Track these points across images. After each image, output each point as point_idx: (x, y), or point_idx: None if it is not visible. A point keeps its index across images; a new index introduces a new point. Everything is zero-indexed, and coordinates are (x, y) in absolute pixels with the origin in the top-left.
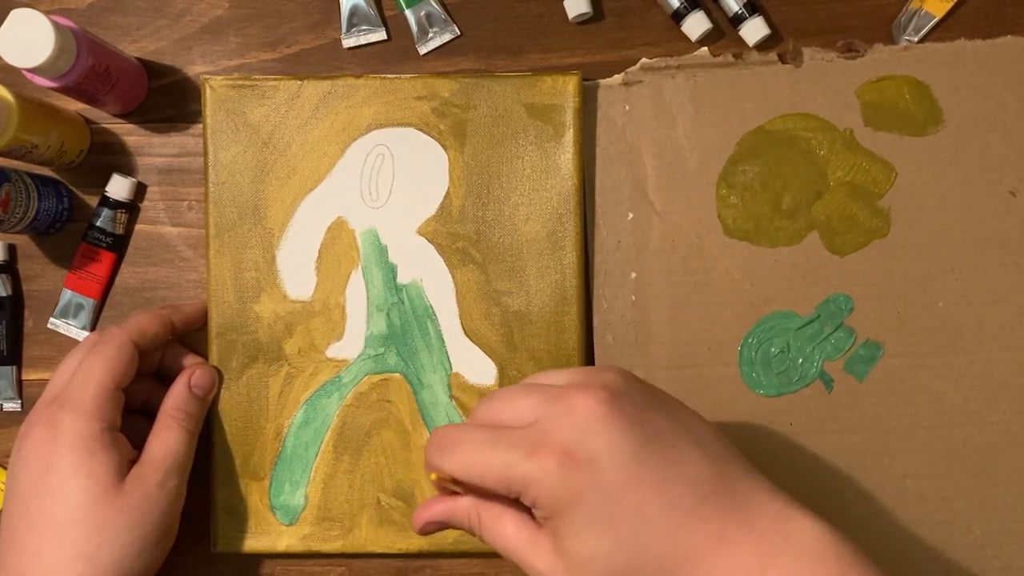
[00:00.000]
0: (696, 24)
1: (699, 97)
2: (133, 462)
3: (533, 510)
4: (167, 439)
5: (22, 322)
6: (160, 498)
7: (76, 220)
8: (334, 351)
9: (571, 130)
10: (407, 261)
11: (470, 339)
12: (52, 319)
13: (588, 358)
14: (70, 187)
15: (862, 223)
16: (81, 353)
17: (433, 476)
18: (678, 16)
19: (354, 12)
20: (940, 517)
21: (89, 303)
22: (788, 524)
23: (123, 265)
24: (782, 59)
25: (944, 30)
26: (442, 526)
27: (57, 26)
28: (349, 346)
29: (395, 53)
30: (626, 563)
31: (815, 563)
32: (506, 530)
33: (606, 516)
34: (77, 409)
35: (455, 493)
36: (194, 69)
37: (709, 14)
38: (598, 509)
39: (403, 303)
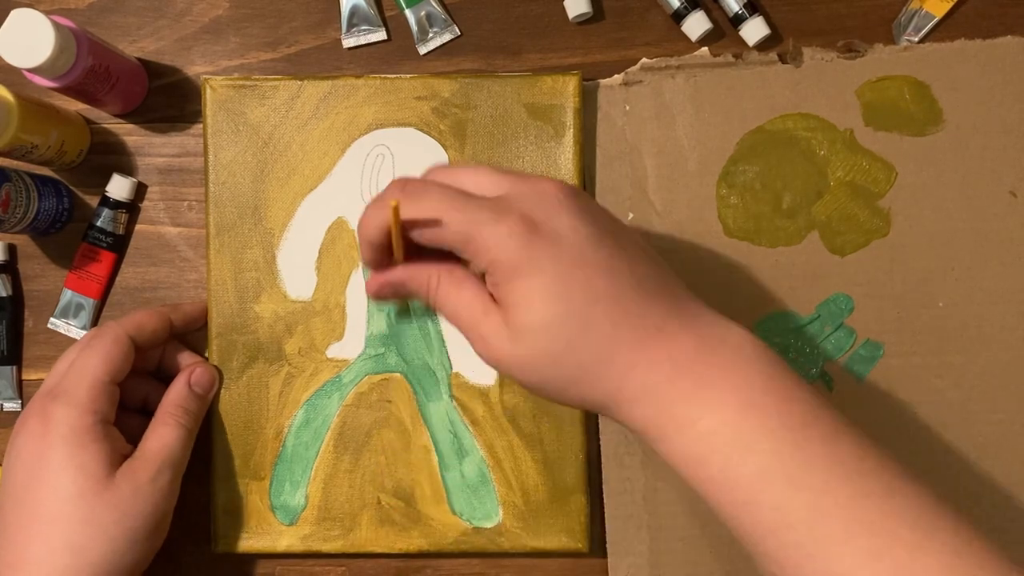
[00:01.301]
0: (696, 24)
1: (699, 97)
2: (128, 457)
3: (486, 276)
4: (163, 435)
5: (22, 322)
6: (151, 493)
7: (76, 220)
8: (334, 351)
9: (571, 130)
10: None
11: None
12: (52, 319)
13: None
14: (70, 187)
15: (862, 223)
16: (78, 347)
17: (393, 203)
18: (678, 16)
19: (354, 12)
20: None
21: (89, 303)
22: (725, 329)
23: (123, 265)
24: (782, 59)
25: (944, 30)
26: (398, 291)
27: (57, 26)
28: (349, 346)
29: (395, 53)
30: (567, 339)
31: (748, 362)
32: (463, 295)
33: (560, 287)
34: (70, 402)
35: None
36: (194, 69)
37: (709, 14)
38: (553, 279)
39: (403, 303)
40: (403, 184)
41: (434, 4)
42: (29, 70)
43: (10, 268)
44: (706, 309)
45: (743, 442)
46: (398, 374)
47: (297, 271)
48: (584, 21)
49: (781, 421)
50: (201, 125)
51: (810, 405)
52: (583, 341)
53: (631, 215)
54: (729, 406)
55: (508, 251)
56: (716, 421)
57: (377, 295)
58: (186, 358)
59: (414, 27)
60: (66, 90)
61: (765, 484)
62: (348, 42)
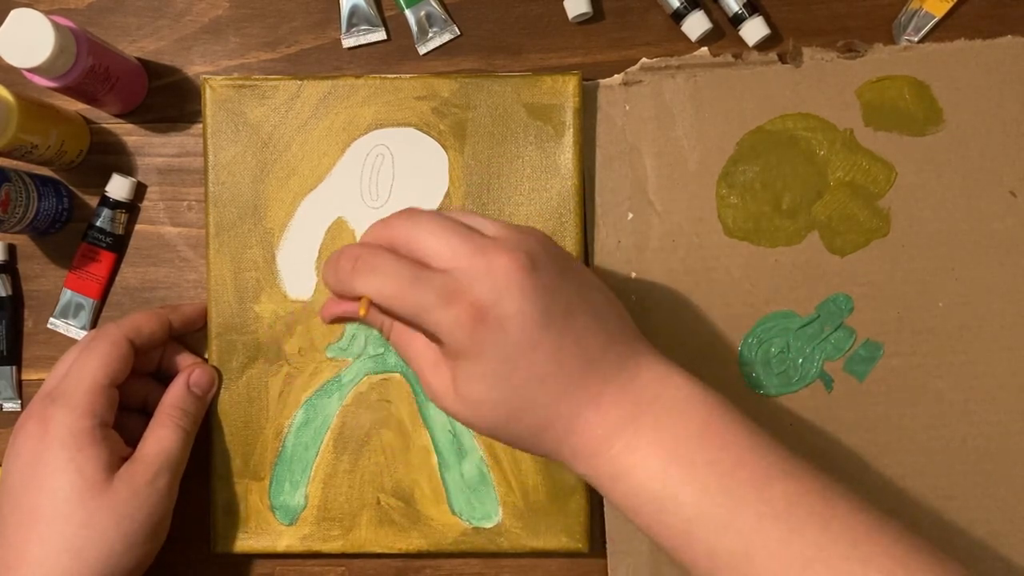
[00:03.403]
0: (696, 24)
1: (699, 97)
2: (127, 460)
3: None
4: (162, 437)
5: (22, 322)
6: (149, 495)
7: (76, 220)
8: (334, 351)
9: (571, 130)
10: None
11: None
12: (52, 319)
13: None
14: (70, 187)
15: (862, 223)
16: (77, 350)
17: (365, 299)
18: (678, 16)
19: (354, 12)
20: (940, 517)
21: (89, 303)
22: (662, 383)
23: (123, 265)
24: (782, 59)
25: (944, 30)
26: (352, 319)
27: (57, 26)
28: (349, 346)
29: (395, 53)
30: (509, 412)
31: (680, 415)
32: (415, 344)
33: (501, 372)
34: (68, 404)
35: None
36: (194, 69)
37: (709, 14)
38: (495, 365)
39: None
40: (355, 259)
41: (434, 4)
42: (29, 70)
43: (10, 268)
44: (651, 361)
45: (669, 494)
46: (398, 374)
47: (297, 271)
48: (584, 21)
49: (710, 469)
50: (201, 125)
51: (742, 448)
52: (524, 415)
53: (631, 215)
54: (657, 462)
55: (454, 337)
56: (644, 476)
57: (330, 322)
58: (185, 359)
59: (414, 27)
60: (66, 90)
61: (695, 530)
62: (348, 42)
